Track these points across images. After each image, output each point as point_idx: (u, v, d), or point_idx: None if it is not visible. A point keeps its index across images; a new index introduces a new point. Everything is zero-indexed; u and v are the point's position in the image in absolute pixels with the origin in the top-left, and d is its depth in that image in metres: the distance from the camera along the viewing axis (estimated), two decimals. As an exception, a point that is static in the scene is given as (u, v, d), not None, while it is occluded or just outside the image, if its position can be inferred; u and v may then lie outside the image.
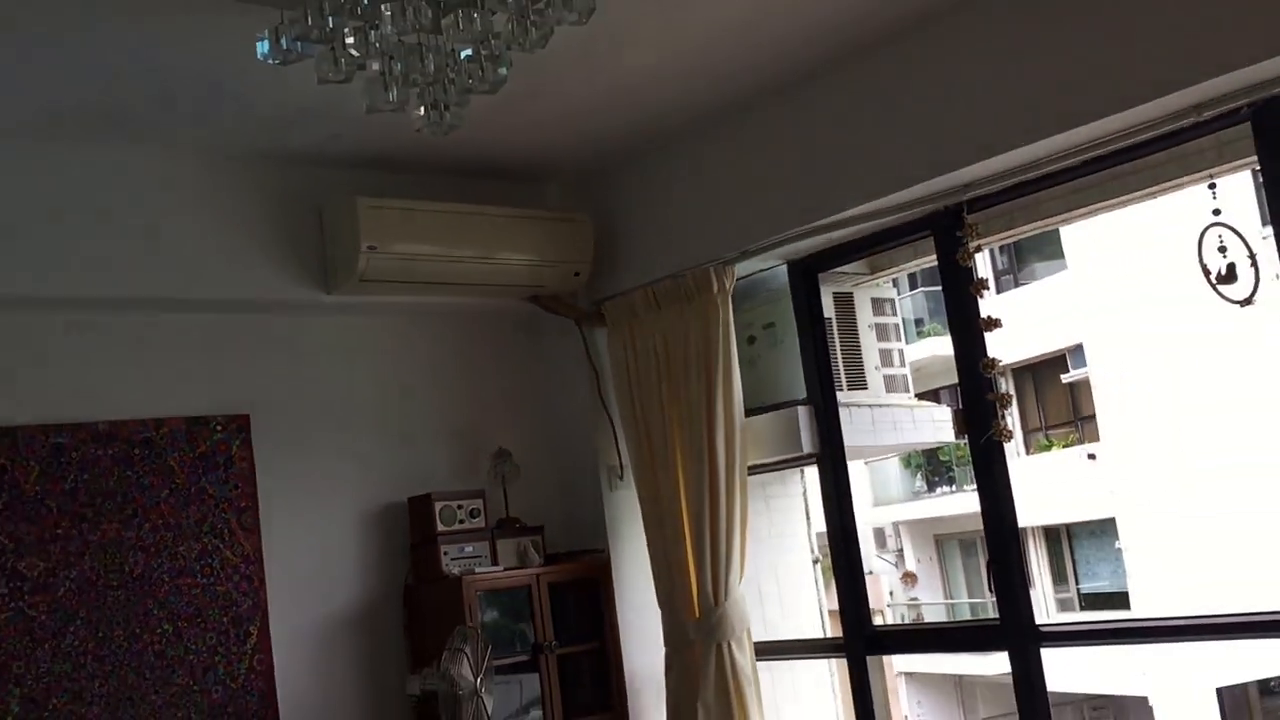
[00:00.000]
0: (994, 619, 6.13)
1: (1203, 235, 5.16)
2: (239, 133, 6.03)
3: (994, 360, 5.89)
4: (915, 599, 27.33)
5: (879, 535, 28.25)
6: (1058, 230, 17.12)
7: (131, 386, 6.20)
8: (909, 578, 27.66)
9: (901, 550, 28.16)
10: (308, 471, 6.61)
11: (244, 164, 6.36)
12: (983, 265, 5.96)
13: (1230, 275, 5.12)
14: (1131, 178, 5.50)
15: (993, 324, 5.90)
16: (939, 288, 6.21)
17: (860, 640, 6.59)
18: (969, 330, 5.98)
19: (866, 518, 26.29)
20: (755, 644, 6.59)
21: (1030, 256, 23.96)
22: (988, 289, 5.92)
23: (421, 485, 6.83)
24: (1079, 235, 19.94)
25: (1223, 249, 5.13)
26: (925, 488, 27.47)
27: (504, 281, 6.86)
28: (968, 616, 26.11)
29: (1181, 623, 6.58)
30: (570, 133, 6.62)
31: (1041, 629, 5.94)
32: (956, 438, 6.36)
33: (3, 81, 5.18)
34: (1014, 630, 5.93)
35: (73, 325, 6.08)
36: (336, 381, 6.80)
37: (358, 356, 6.91)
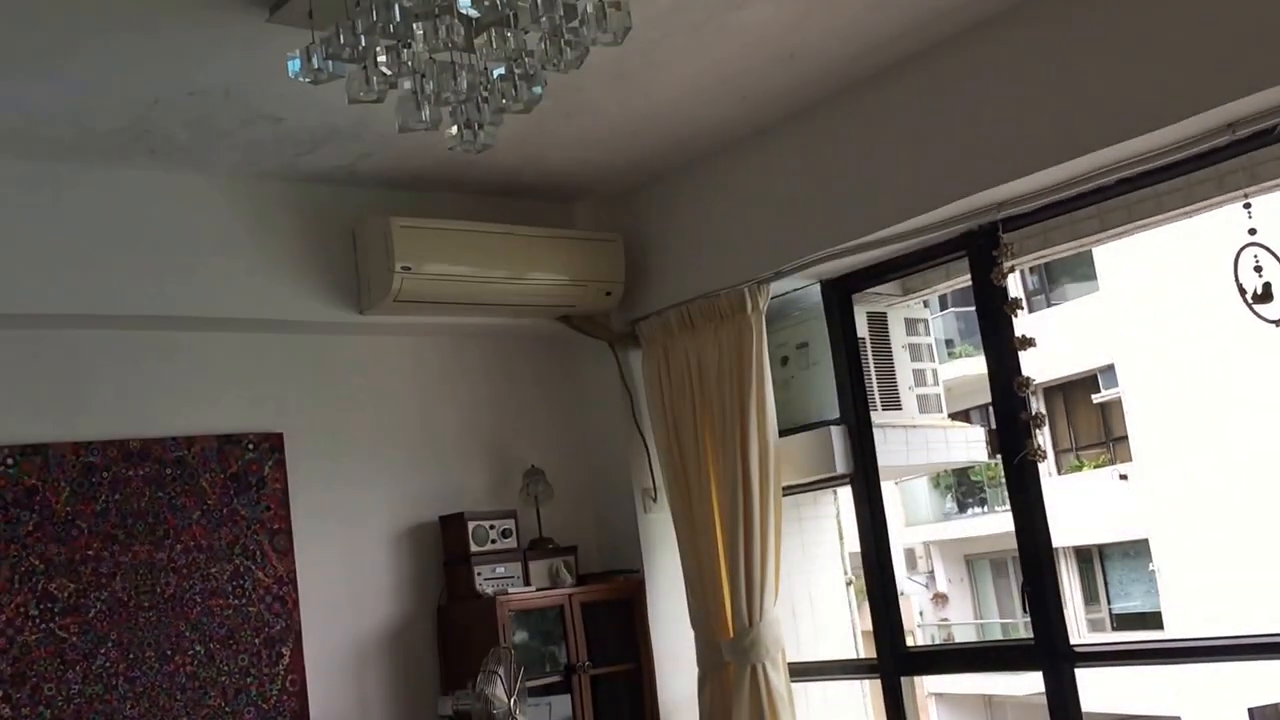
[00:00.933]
0: (1027, 639, 6.11)
1: (1238, 255, 5.13)
2: (272, 153, 6.03)
3: (1028, 380, 5.87)
4: (945, 619, 27.22)
5: (909, 556, 28.15)
6: (1090, 249, 17.08)
7: (164, 404, 6.20)
8: (940, 598, 27.56)
9: (932, 571, 28.05)
10: (340, 491, 6.61)
11: (277, 184, 6.38)
12: (1014, 285, 5.92)
13: (1266, 295, 5.08)
14: (1166, 197, 5.46)
15: (1027, 343, 5.88)
16: (970, 308, 6.21)
17: (894, 661, 6.56)
18: (1003, 350, 5.96)
19: (897, 538, 26.22)
20: (789, 664, 6.57)
21: (1062, 276, 23.85)
22: (1022, 309, 5.90)
23: (454, 505, 6.83)
24: (1111, 254, 19.81)
25: (1258, 268, 5.08)
26: (956, 508, 27.36)
27: (536, 302, 6.86)
28: (998, 637, 25.99)
29: (1215, 643, 6.58)
30: (603, 152, 6.61)
31: (1076, 649, 5.90)
32: (990, 458, 6.34)
33: (38, 104, 5.20)
34: (1048, 650, 5.89)
35: (105, 343, 6.08)
36: (370, 401, 6.80)
37: (391, 376, 6.91)
